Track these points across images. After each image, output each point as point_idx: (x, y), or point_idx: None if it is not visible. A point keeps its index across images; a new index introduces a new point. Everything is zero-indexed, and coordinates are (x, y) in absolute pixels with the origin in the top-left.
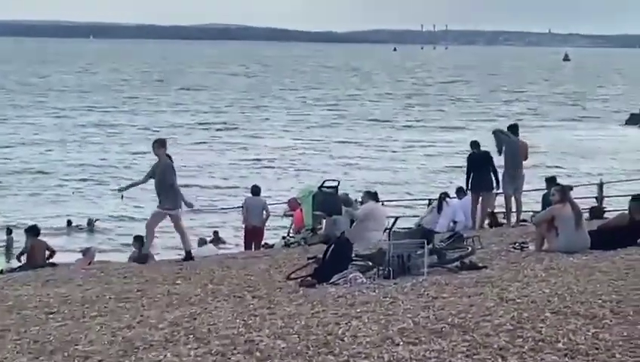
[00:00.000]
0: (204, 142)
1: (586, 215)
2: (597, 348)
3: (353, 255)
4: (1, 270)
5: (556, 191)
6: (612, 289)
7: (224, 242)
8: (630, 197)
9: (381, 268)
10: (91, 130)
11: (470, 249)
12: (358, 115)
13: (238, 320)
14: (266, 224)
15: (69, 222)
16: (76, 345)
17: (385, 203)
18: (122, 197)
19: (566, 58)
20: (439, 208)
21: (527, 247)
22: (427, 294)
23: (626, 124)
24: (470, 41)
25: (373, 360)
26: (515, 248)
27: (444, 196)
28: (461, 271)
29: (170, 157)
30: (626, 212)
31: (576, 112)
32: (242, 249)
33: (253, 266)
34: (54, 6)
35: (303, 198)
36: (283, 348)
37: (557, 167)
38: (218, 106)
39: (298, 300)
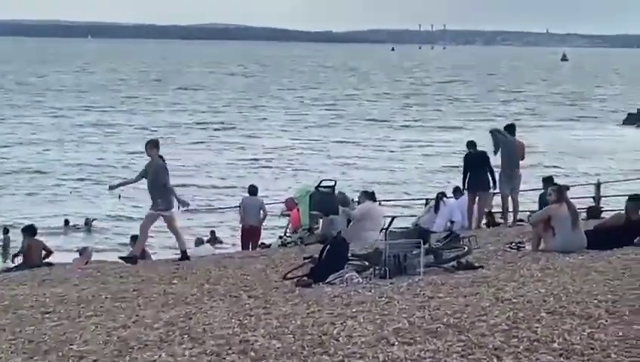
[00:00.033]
0: (202, 142)
1: (583, 215)
2: (592, 348)
3: (349, 254)
4: None
5: (553, 191)
6: (608, 289)
7: (221, 242)
8: (627, 197)
9: (377, 267)
10: (89, 129)
11: (466, 249)
12: (356, 115)
13: (233, 320)
14: (263, 224)
15: (67, 222)
16: (71, 344)
17: (382, 202)
18: (119, 196)
19: (564, 58)
20: (436, 208)
21: (524, 247)
22: (423, 294)
23: (623, 124)
24: (468, 41)
25: (368, 360)
26: (511, 248)
27: (441, 196)
28: (457, 270)
29: (162, 157)
30: (623, 212)
31: (574, 112)
32: (239, 248)
33: (250, 266)
34: (53, 6)
35: (299, 198)
36: (278, 348)
37: (555, 166)
38: (216, 106)
39: (294, 300)
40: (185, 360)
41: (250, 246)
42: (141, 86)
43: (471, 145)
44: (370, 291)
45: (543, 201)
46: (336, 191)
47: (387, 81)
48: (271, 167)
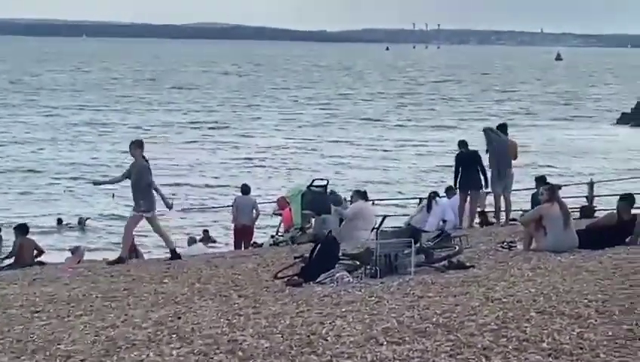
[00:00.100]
0: (196, 141)
1: (576, 214)
2: (581, 348)
3: (340, 254)
4: None
5: (545, 191)
6: (598, 289)
7: (214, 241)
8: (619, 197)
9: (368, 267)
10: (83, 128)
11: (457, 248)
12: (350, 115)
13: (222, 320)
14: (256, 223)
15: (60, 221)
16: (59, 344)
17: (375, 202)
18: (113, 196)
19: (558, 57)
20: (429, 207)
21: (516, 247)
22: (413, 293)
23: (617, 123)
24: (462, 40)
25: (356, 359)
26: (503, 247)
27: (433, 195)
28: (448, 270)
29: (146, 158)
30: (615, 211)
31: (568, 112)
32: (232, 248)
33: (241, 265)
34: (48, 5)
35: (291, 197)
36: (266, 347)
37: (549, 166)
38: (210, 105)
39: (284, 299)
40: (172, 359)
41: (243, 246)
42: (135, 85)
43: (462, 144)
44: (360, 290)
45: (535, 201)
46: (329, 191)
47: (381, 81)
48: (264, 167)
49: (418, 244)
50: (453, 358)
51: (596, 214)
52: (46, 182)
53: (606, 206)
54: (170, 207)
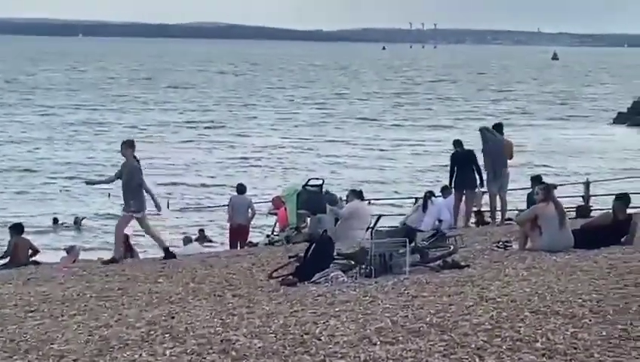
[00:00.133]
0: (192, 141)
1: (572, 214)
2: (575, 348)
3: (335, 253)
4: None
5: (540, 190)
6: (593, 289)
7: (210, 240)
8: (614, 196)
9: (363, 266)
10: (79, 128)
11: (452, 248)
12: (346, 114)
13: (216, 319)
14: (252, 222)
15: (56, 220)
16: (52, 344)
17: (372, 201)
18: (109, 195)
19: (555, 57)
20: (424, 207)
21: (511, 246)
22: (407, 293)
23: (613, 123)
24: (459, 40)
25: (349, 359)
26: (498, 247)
27: (429, 195)
28: (443, 270)
29: (137, 158)
30: (610, 211)
31: (564, 111)
32: (228, 247)
33: (236, 265)
34: (44, 4)
35: (287, 197)
36: (259, 347)
37: (545, 165)
38: (206, 104)
39: (278, 299)
40: (165, 359)
41: (239, 245)
42: (131, 84)
43: (457, 143)
44: (354, 290)
45: (530, 200)
46: (324, 191)
47: (377, 80)
48: (261, 166)
49: (413, 244)
50: (447, 358)
51: (592, 214)
52: (42, 182)
53: (602, 205)
54: (159, 208)
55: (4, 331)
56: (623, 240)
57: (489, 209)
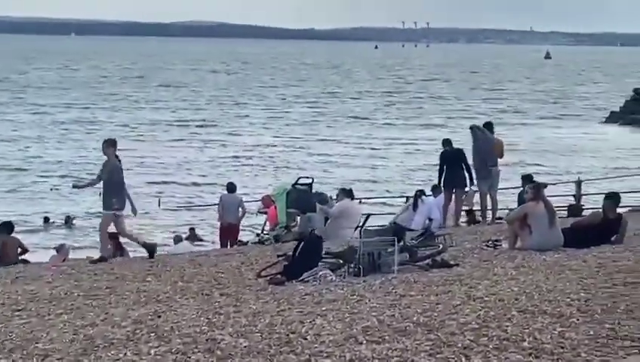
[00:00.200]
0: (183, 139)
1: (564, 213)
2: (562, 347)
3: (324, 252)
4: None
5: (530, 189)
6: (581, 288)
7: (200, 239)
8: (604, 195)
9: (351, 265)
10: (70, 126)
11: (441, 247)
12: (338, 113)
13: (202, 318)
14: (242, 221)
15: (47, 219)
16: (37, 342)
17: (363, 200)
18: (100, 194)
19: (547, 56)
20: (414, 206)
21: (501, 245)
22: (395, 292)
23: (606, 122)
24: (451, 38)
25: (335, 359)
26: (488, 246)
27: (419, 194)
28: (432, 269)
29: (118, 157)
30: (600, 210)
31: (556, 110)
32: (219, 246)
33: (225, 264)
34: (36, 3)
35: (277, 196)
36: (244, 346)
37: (537, 164)
38: (197, 103)
39: (265, 298)
40: (150, 358)
41: (229, 244)
42: (123, 83)
43: (447, 142)
44: (342, 289)
45: (521, 199)
46: (314, 190)
47: (370, 79)
48: (252, 165)
49: (402, 243)
50: (433, 357)
51: (584, 213)
52: (33, 180)
53: (594, 204)
54: (135, 212)
55: None
56: (612, 239)
57: (480, 208)
